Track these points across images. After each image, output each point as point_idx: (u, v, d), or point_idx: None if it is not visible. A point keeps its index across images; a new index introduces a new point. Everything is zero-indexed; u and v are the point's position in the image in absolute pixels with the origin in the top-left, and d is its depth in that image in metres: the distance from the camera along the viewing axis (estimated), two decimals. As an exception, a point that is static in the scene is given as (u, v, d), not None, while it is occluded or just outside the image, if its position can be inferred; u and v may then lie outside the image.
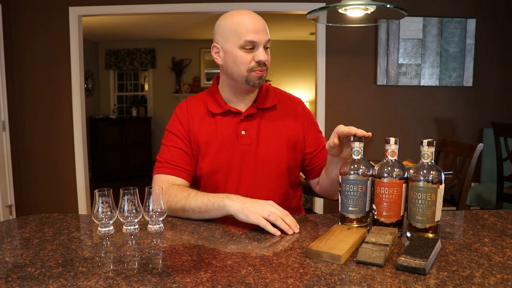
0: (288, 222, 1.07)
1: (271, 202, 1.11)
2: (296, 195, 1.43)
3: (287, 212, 1.10)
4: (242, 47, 1.22)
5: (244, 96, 1.34)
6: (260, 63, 1.23)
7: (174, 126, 1.35)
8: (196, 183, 1.38)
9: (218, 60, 1.30)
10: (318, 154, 1.39)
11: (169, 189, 1.22)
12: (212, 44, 1.31)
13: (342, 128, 1.09)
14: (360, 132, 1.05)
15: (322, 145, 1.41)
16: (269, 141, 1.33)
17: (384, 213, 1.02)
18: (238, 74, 1.26)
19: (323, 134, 1.46)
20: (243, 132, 1.32)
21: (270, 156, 1.32)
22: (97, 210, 1.05)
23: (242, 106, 1.35)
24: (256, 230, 1.08)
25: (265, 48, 1.25)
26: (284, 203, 1.35)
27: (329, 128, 3.43)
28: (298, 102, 1.44)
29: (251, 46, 1.22)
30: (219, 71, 1.36)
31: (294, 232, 1.06)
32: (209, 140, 1.32)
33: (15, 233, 1.09)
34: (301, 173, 1.46)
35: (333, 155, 1.20)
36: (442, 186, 0.97)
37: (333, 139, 1.13)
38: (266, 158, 1.32)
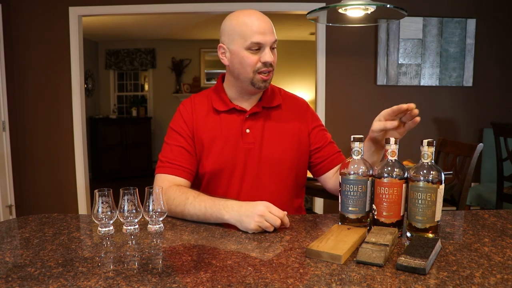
0: (277, 226, 1.08)
1: (265, 209, 1.07)
2: (299, 196, 1.43)
3: (283, 214, 1.09)
4: (249, 49, 1.23)
5: (249, 96, 1.35)
6: (266, 64, 1.24)
7: (178, 124, 1.35)
8: (199, 181, 1.37)
9: (225, 60, 1.30)
10: (324, 148, 1.39)
11: (168, 190, 1.21)
12: (219, 45, 1.31)
13: (386, 111, 1.12)
14: (406, 105, 1.07)
15: (328, 141, 1.41)
16: (273, 140, 1.33)
17: (384, 213, 1.02)
18: (244, 75, 1.26)
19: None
20: (247, 131, 1.32)
21: (274, 155, 1.32)
22: (97, 210, 1.05)
23: (247, 104, 1.35)
24: (256, 230, 1.09)
25: (272, 48, 1.25)
26: (286, 204, 1.35)
27: (329, 128, 3.42)
28: (302, 102, 1.44)
29: (257, 47, 1.22)
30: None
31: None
32: (213, 138, 1.32)
33: (15, 233, 1.09)
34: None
35: (375, 141, 1.18)
36: (442, 186, 0.97)
37: (380, 123, 1.13)
38: (270, 157, 1.32)
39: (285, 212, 1.10)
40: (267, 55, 1.23)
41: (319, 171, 1.41)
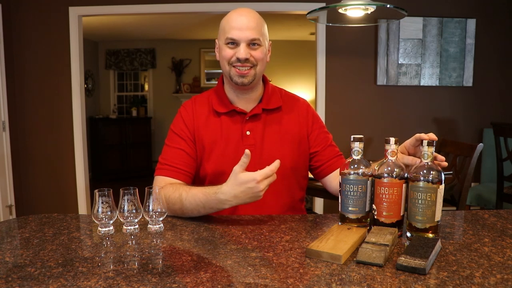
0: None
1: (259, 185, 1.06)
2: (300, 197, 1.42)
3: (272, 170, 1.08)
4: (227, 44, 1.27)
5: (244, 96, 1.34)
6: (240, 60, 1.26)
7: (178, 126, 1.35)
8: (200, 183, 1.37)
9: (216, 55, 1.36)
10: (323, 152, 1.39)
11: (162, 191, 1.21)
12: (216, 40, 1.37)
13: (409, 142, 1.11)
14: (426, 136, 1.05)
15: (329, 142, 1.41)
16: (273, 142, 1.33)
17: (384, 213, 1.02)
18: (224, 69, 1.31)
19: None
20: (248, 133, 1.32)
21: (275, 157, 1.31)
22: (97, 210, 1.05)
23: (247, 106, 1.35)
24: (256, 230, 1.08)
25: (252, 45, 1.26)
26: (287, 205, 1.35)
27: (329, 128, 3.43)
28: (303, 103, 1.44)
29: (233, 42, 1.26)
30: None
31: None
32: (214, 140, 1.32)
33: (15, 233, 1.09)
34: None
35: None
36: (442, 186, 0.97)
37: (408, 157, 1.09)
38: (271, 159, 1.31)
39: (272, 166, 1.08)
40: (240, 51, 1.25)
41: (319, 174, 1.42)
